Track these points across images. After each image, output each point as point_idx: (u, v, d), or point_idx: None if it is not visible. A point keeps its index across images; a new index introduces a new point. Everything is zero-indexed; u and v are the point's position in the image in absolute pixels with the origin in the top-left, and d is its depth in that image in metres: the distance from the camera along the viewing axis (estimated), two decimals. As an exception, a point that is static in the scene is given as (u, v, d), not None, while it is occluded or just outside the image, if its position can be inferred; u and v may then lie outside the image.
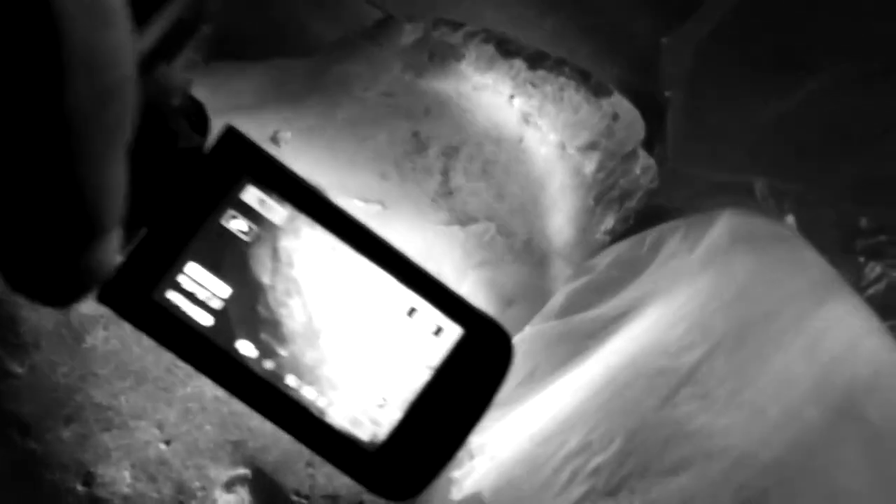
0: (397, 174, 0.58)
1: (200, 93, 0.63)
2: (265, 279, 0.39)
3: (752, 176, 0.70)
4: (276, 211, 0.37)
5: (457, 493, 0.54)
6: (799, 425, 0.50)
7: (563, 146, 0.61)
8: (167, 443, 0.53)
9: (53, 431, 0.52)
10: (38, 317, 0.52)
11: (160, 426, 0.52)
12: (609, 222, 0.65)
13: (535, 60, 0.62)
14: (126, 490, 0.52)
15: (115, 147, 0.29)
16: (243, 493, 0.54)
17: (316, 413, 0.37)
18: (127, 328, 0.52)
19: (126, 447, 0.52)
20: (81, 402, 0.52)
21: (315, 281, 0.40)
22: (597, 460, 0.50)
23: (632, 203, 0.66)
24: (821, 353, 0.53)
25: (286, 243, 0.39)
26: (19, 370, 0.52)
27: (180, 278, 0.37)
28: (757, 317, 0.55)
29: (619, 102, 0.64)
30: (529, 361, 0.58)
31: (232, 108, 0.57)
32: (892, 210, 0.69)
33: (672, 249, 0.60)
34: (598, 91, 0.62)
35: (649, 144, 0.66)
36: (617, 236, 0.65)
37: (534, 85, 0.61)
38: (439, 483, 0.55)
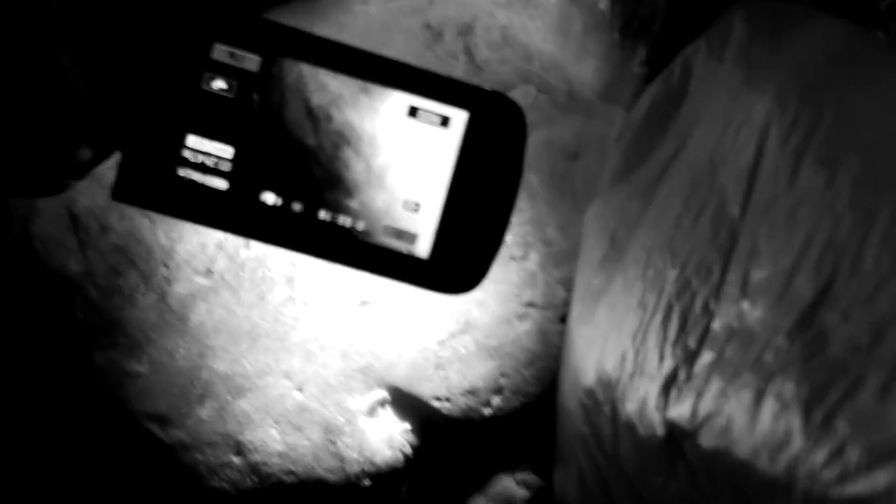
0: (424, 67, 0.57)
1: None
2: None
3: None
4: (249, 59, 0.40)
5: (584, 379, 0.53)
6: None
7: (572, -10, 0.60)
8: (300, 389, 0.53)
9: (191, 415, 0.53)
10: (139, 313, 0.52)
11: (288, 376, 0.53)
12: (641, 53, 0.63)
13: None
14: (278, 447, 0.53)
15: None
16: (386, 414, 0.54)
17: (357, 236, 0.41)
18: (224, 294, 0.53)
19: (264, 406, 0.53)
20: (208, 378, 0.53)
21: (313, 114, 0.41)
22: (703, 293, 0.48)
23: (656, 28, 0.65)
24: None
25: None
26: (140, 368, 0.52)
27: (185, 153, 0.40)
28: (801, 90, 0.53)
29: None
30: (606, 231, 0.57)
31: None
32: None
33: (702, 68, 0.58)
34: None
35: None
36: (655, 66, 0.64)
37: (523, -58, 0.60)
38: (570, 372, 0.55)
